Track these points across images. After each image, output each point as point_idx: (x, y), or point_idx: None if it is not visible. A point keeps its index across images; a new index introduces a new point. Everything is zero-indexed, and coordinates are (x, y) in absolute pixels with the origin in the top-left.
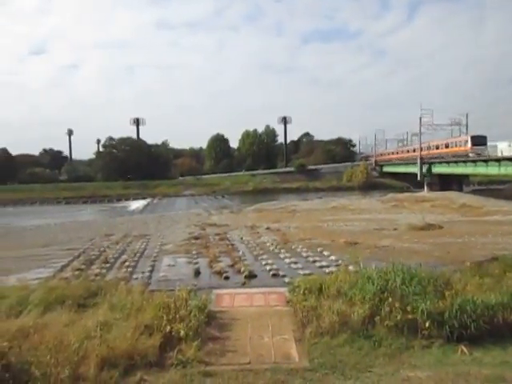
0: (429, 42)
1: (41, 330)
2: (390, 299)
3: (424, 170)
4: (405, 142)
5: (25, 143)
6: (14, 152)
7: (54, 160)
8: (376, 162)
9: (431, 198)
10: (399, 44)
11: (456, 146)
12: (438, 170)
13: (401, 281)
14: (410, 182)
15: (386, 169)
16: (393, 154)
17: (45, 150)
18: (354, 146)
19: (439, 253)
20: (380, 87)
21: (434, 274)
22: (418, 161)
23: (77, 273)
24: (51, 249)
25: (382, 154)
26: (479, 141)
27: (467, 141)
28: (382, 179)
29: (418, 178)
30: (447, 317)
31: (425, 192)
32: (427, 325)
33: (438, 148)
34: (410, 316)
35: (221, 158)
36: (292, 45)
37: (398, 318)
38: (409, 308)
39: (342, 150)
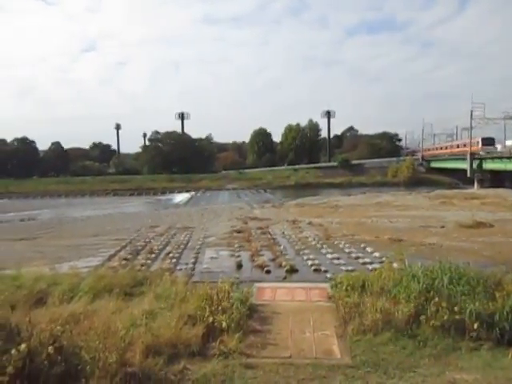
0: (481, 33)
1: (90, 316)
2: (437, 298)
3: (474, 165)
4: (454, 137)
5: (76, 137)
6: (66, 146)
7: (102, 153)
8: (423, 157)
9: (481, 195)
10: (449, 35)
11: (466, 146)
12: (489, 165)
13: (448, 280)
14: (458, 179)
15: (434, 164)
16: (441, 148)
17: (94, 144)
18: (399, 140)
19: (489, 252)
20: (428, 80)
21: (483, 274)
22: (468, 156)
23: (124, 262)
24: (100, 239)
25: (429, 149)
26: (488, 142)
27: (478, 141)
28: (429, 175)
29: (468, 174)
30: (497, 319)
31: (475, 189)
32: (475, 326)
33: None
34: (457, 316)
35: (263, 152)
36: (336, 37)
37: (445, 318)
38: (456, 308)
39: (387, 145)
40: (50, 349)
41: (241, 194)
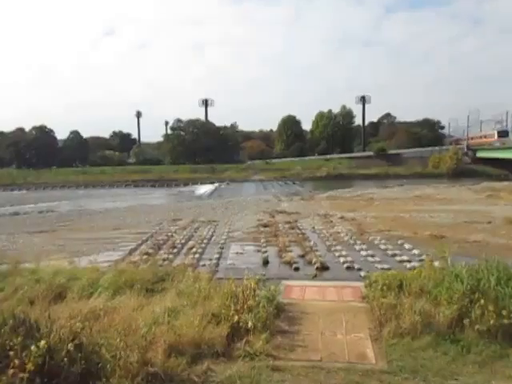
0: None
1: (110, 312)
2: (482, 301)
3: None
4: (504, 124)
5: (95, 126)
6: (85, 135)
7: (122, 142)
8: (468, 146)
9: None
10: (502, 11)
11: (486, 137)
12: None
13: (495, 281)
14: (509, 170)
15: (481, 154)
16: (489, 137)
17: (114, 133)
18: (442, 128)
19: None
20: (476, 62)
21: None
22: None
23: (145, 257)
24: (120, 232)
25: (475, 138)
26: (502, 134)
27: (494, 134)
28: (475, 166)
29: None
30: None
31: None
32: None
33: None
34: (505, 321)
35: (292, 140)
36: (375, 15)
37: (491, 322)
38: (504, 312)
39: (428, 133)
40: (70, 346)
41: (267, 186)
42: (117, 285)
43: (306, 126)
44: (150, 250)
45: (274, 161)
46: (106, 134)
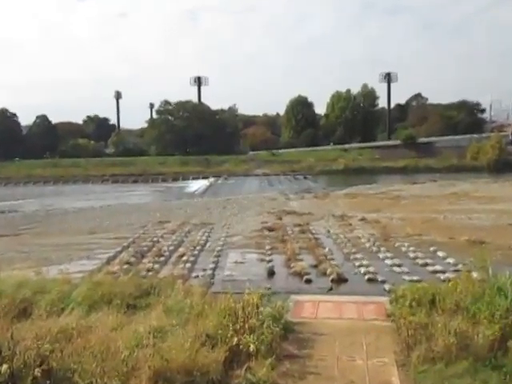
0: None
1: (85, 332)
2: None
3: None
4: None
5: (66, 109)
6: (54, 119)
7: (99, 129)
8: None
9: None
10: None
11: None
12: None
13: None
14: None
15: None
16: None
17: (89, 118)
18: (482, 111)
19: None
20: None
21: None
22: None
23: (126, 267)
24: (96, 237)
25: None
26: None
27: None
28: None
29: None
30: None
31: None
32: None
33: None
34: None
35: (303, 127)
36: None
37: None
38: None
39: (465, 118)
40: (37, 371)
41: (274, 182)
42: (92, 299)
43: (320, 109)
44: (132, 259)
45: (281, 151)
46: (79, 119)
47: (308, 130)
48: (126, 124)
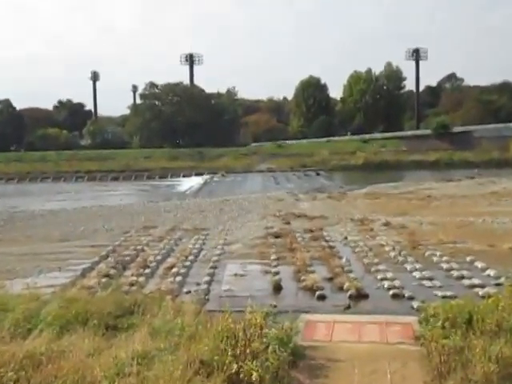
0: None
1: (56, 358)
2: None
3: None
4: None
5: (33, 93)
6: (18, 105)
7: (72, 117)
8: None
9: None
10: None
11: None
12: None
13: None
14: None
15: None
16: None
17: (60, 103)
18: None
19: None
20: None
21: None
22: None
23: (104, 280)
24: (69, 244)
25: None
26: None
27: None
28: None
29: None
30: None
31: None
32: None
33: None
34: None
35: (315, 114)
36: None
37: None
38: None
39: (508, 102)
40: None
41: (280, 179)
42: (65, 319)
43: (335, 92)
44: (112, 271)
45: (289, 143)
46: (49, 105)
47: (321, 118)
48: (104, 110)
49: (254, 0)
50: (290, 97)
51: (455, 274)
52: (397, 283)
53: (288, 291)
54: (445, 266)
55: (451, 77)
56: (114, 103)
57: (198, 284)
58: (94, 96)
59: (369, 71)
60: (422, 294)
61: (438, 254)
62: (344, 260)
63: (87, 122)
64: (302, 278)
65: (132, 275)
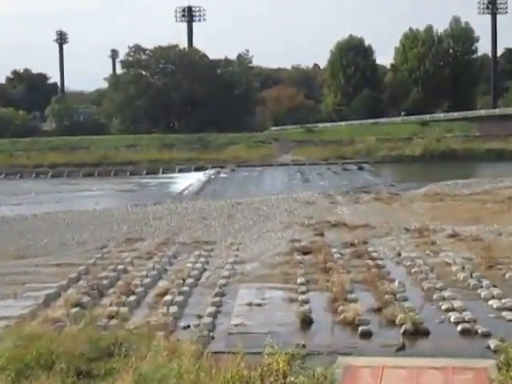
0: None
1: None
2: None
3: None
4: None
5: None
6: None
7: (31, 92)
8: None
9: None
10: None
11: None
12: None
13: None
14: None
15: None
16: None
17: (16, 74)
18: None
19: None
20: None
21: None
22: None
23: (75, 311)
24: (28, 263)
25: None
26: None
27: None
28: None
29: None
30: None
31: None
32: None
33: None
34: None
35: (357, 87)
36: None
37: None
38: None
39: None
40: None
41: (310, 175)
42: (22, 362)
43: (384, 58)
44: (85, 298)
45: (321, 126)
46: (1, 77)
47: (365, 92)
48: (74, 84)
49: None
50: (322, 64)
51: None
52: (467, 315)
53: (321, 326)
54: None
55: None
56: (87, 74)
57: (200, 317)
58: (61, 64)
59: (429, 29)
60: (500, 329)
61: None
62: (396, 284)
63: (51, 100)
64: (340, 308)
65: (111, 304)
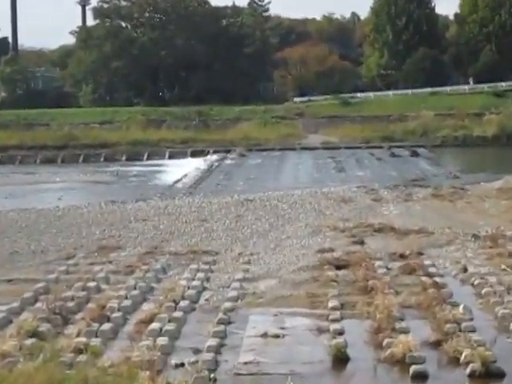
0: None
1: None
2: None
3: None
4: None
5: None
6: None
7: None
8: None
9: None
10: None
11: None
12: None
13: None
14: None
15: None
16: None
17: None
18: None
19: None
20: None
21: None
22: None
23: (30, 342)
24: None
25: None
26: None
27: None
28: None
29: None
30: None
31: None
32: None
33: None
34: None
35: (409, 44)
36: None
37: None
38: None
39: None
40: None
41: (347, 162)
42: None
43: (444, 7)
44: (44, 326)
45: (362, 96)
46: None
47: (421, 51)
48: (29, 40)
49: None
50: (363, 14)
51: None
52: None
53: (360, 365)
54: None
55: None
56: (48, 27)
57: (198, 351)
58: (13, 14)
59: None
60: None
61: None
62: (461, 309)
63: (0, 60)
64: (386, 341)
65: (79, 334)
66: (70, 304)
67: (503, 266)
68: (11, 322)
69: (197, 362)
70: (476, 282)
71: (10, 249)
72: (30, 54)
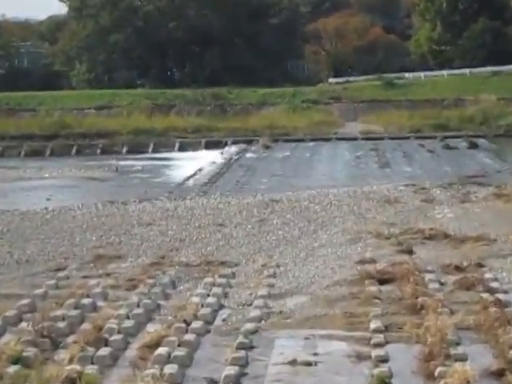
0: None
1: None
2: None
3: None
4: None
5: None
6: None
7: None
8: None
9: None
10: None
11: None
12: None
13: None
14: None
15: None
16: None
17: None
18: None
19: None
20: None
21: None
22: None
23: (13, 370)
24: None
25: None
26: None
27: None
28: None
29: None
30: None
31: None
32: None
33: None
34: None
35: (466, 15)
36: None
37: None
38: None
39: None
40: None
41: (391, 155)
42: None
43: None
44: (30, 350)
45: (410, 77)
46: None
47: (481, 23)
48: (13, 9)
49: None
50: None
51: None
52: None
53: None
54: None
55: None
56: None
57: (213, 382)
58: None
59: None
60: None
61: None
62: None
63: None
64: (439, 370)
65: (71, 360)
66: (61, 324)
67: None
68: None
69: None
70: None
71: None
72: (13, 26)
